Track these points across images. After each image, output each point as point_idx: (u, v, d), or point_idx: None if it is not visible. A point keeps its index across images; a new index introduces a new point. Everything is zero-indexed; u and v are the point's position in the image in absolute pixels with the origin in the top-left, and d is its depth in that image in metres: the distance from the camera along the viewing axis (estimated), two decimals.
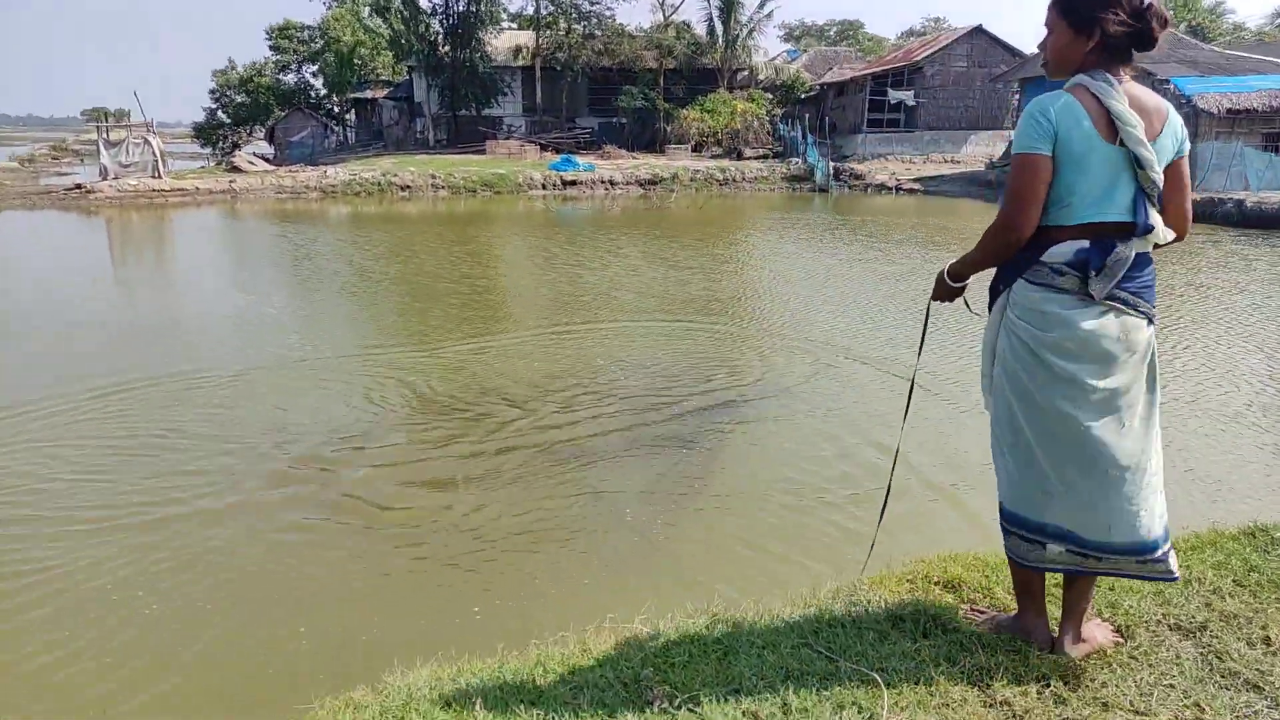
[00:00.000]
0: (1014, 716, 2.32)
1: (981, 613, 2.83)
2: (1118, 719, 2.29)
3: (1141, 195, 2.28)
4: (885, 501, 3.14)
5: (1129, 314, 2.33)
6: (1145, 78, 25.66)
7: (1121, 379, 2.34)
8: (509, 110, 40.41)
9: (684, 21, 41.58)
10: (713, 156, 35.91)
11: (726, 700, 2.40)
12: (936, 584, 3.02)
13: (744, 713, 2.35)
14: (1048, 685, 2.43)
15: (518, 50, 39.23)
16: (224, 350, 8.68)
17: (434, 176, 29.16)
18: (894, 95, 36.67)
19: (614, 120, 40.12)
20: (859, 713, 2.34)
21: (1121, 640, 2.63)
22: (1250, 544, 3.19)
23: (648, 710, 2.38)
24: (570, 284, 12.58)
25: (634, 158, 35.36)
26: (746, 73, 41.26)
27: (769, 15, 40.49)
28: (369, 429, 6.33)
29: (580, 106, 41.19)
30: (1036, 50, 2.59)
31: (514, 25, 43.12)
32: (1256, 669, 2.46)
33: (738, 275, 14.13)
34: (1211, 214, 19.90)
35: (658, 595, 3.82)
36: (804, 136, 35.04)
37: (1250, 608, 2.76)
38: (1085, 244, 2.29)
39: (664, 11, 41.25)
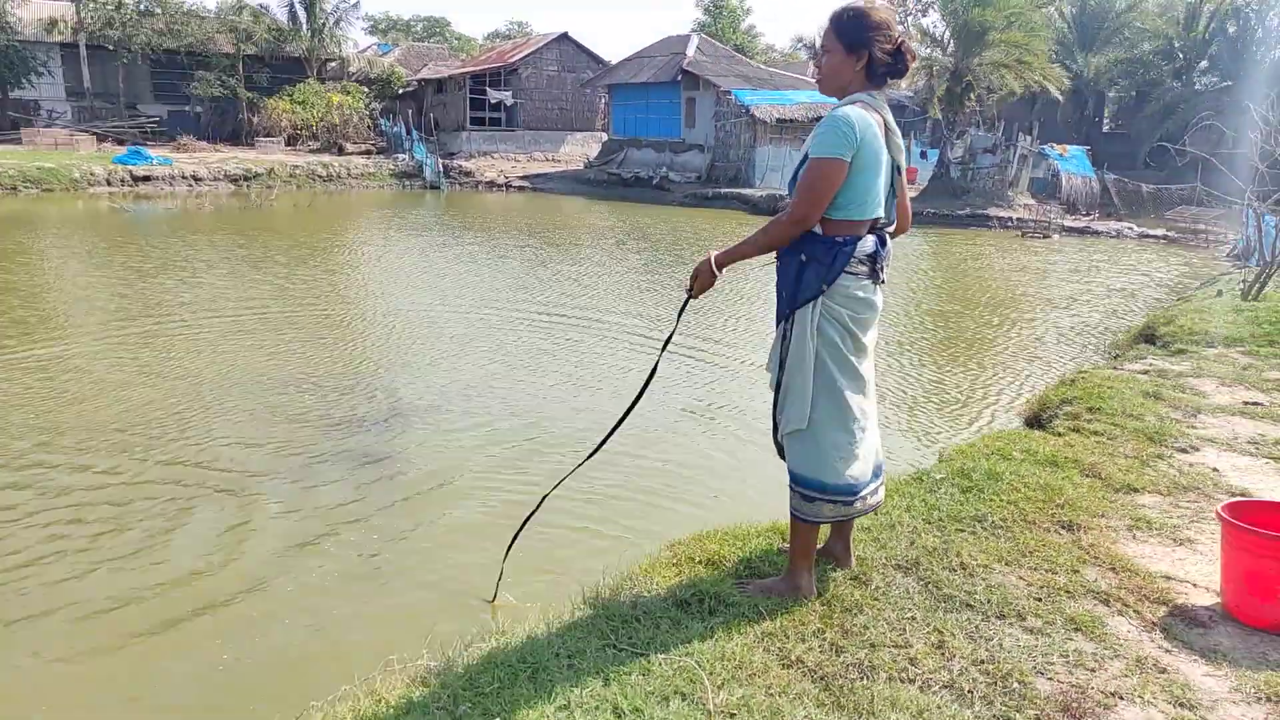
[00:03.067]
0: (810, 671, 2.57)
1: (747, 583, 3.07)
2: (886, 655, 2.64)
3: (891, 194, 2.75)
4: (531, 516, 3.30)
5: (883, 286, 2.82)
6: (711, 88, 29.18)
7: (876, 333, 2.87)
8: (48, 93, 34.30)
9: (261, 4, 38.43)
10: (311, 151, 33.79)
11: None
12: (700, 563, 3.22)
13: None
14: (825, 637, 2.73)
15: (53, 23, 33.23)
16: None
17: None
18: (493, 95, 37.48)
19: (187, 109, 35.98)
20: (684, 700, 2.42)
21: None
22: (921, 487, 3.85)
23: None
24: (193, 294, 11.05)
25: (217, 150, 32.07)
26: (337, 63, 39.40)
27: (355, 4, 39.05)
28: None
29: (143, 92, 36.29)
30: (814, 70, 2.91)
31: None
32: (964, 590, 3.00)
33: (385, 275, 13.53)
34: (773, 208, 23.34)
35: (414, 621, 3.58)
36: (409, 132, 34.42)
37: (942, 541, 3.34)
38: (873, 238, 2.72)
39: None
